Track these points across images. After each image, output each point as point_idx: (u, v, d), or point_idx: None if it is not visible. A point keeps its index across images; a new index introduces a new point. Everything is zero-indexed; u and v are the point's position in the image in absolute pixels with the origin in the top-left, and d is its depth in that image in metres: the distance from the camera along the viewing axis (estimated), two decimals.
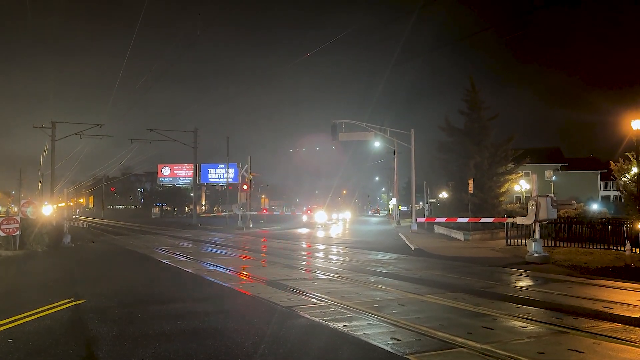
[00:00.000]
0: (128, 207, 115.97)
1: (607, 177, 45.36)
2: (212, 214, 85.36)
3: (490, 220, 21.17)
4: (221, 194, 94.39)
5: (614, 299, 8.84)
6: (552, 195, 16.08)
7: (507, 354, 5.54)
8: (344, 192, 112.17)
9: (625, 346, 5.93)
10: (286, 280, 11.37)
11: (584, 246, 17.42)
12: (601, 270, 12.66)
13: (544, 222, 15.80)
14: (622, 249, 15.76)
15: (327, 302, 8.63)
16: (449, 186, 34.40)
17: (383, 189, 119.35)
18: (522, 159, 30.10)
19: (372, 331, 6.62)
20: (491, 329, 6.71)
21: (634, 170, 21.12)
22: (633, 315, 7.43)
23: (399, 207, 54.00)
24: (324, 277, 12.26)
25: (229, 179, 54.76)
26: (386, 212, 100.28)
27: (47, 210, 28.45)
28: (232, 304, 9.08)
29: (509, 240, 19.56)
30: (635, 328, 6.75)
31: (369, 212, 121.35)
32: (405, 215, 57.19)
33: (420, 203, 55.91)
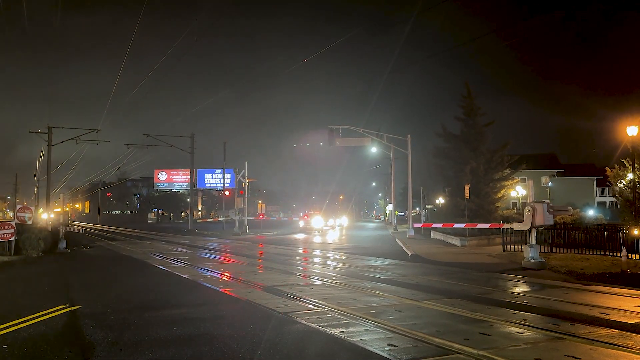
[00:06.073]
0: (124, 212, 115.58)
1: (603, 183, 45.61)
2: (208, 220, 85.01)
3: (486, 226, 21.20)
4: (218, 200, 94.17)
5: (610, 305, 8.85)
6: (549, 201, 16.13)
7: None
8: (341, 197, 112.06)
9: (621, 352, 5.94)
10: (283, 286, 11.34)
11: (580, 252, 17.44)
12: (597, 276, 12.68)
13: (540, 228, 15.83)
14: (618, 255, 15.78)
15: (323, 308, 8.61)
16: (445, 192, 34.47)
17: (380, 194, 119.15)
18: (518, 165, 30.21)
19: (369, 337, 6.61)
20: (488, 335, 6.71)
21: (630, 176, 21.20)
22: (629, 321, 7.45)
23: (396, 212, 53.99)
24: (320, 282, 12.24)
25: (226, 185, 54.66)
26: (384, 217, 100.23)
27: (43, 215, 28.34)
28: (229, 310, 9.04)
29: (505, 246, 19.57)
30: (631, 334, 6.76)
31: (373, 217, 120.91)
32: (402, 220, 57.20)
33: (417, 208, 55.94)
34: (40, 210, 38.96)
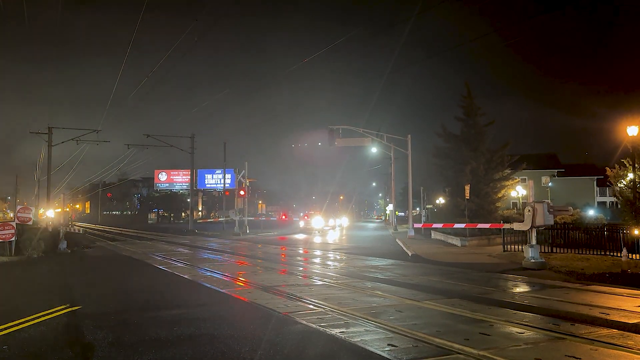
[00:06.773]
0: (124, 212, 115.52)
1: (604, 183, 45.60)
2: (208, 220, 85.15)
3: (487, 226, 21.17)
4: (218, 200, 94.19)
5: (611, 305, 8.85)
6: (549, 201, 16.11)
7: None
8: (341, 197, 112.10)
9: (622, 352, 5.94)
10: (283, 286, 11.35)
11: (580, 252, 17.44)
12: (598, 276, 12.67)
13: (540, 228, 15.82)
14: (619, 255, 15.79)
15: (324, 308, 8.61)
16: (445, 192, 34.47)
17: (380, 194, 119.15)
18: (518, 165, 30.20)
19: (369, 337, 6.61)
20: (488, 335, 6.71)
21: (630, 176, 21.19)
22: (630, 321, 7.45)
23: (396, 212, 53.98)
24: (321, 283, 12.24)
25: (226, 185, 54.70)
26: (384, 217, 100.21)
27: (44, 216, 28.36)
28: (229, 310, 9.05)
29: (505, 246, 19.56)
30: (631, 334, 6.76)
31: (374, 217, 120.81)
32: (402, 220, 57.18)
33: (417, 209, 55.97)
34: (41, 210, 38.99)
